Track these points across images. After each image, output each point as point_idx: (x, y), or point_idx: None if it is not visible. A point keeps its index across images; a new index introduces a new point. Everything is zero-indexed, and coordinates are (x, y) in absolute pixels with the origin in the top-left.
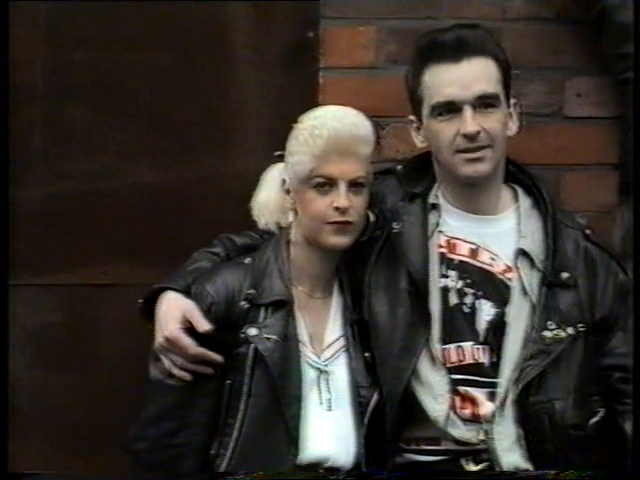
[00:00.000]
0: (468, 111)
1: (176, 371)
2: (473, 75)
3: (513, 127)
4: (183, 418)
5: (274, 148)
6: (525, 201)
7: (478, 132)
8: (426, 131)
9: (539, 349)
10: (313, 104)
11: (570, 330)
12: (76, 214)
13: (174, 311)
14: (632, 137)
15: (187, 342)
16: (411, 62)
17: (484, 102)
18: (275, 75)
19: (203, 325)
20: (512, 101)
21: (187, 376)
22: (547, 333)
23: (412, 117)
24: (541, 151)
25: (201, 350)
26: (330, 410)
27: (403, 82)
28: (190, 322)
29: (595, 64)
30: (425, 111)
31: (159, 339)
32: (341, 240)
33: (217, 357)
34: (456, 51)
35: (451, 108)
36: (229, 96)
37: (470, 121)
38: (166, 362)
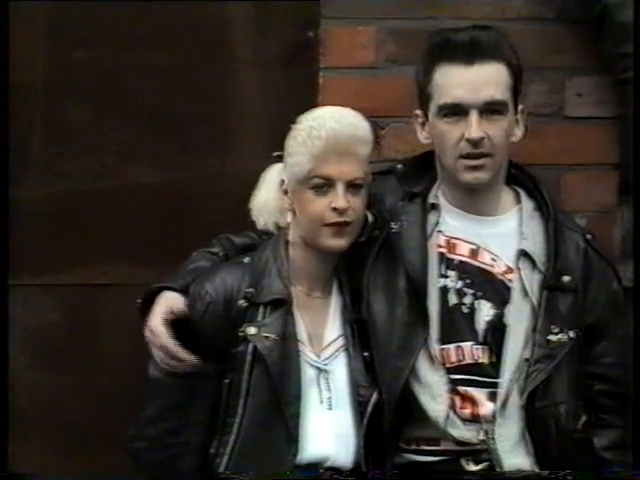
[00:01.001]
0: (474, 116)
1: (161, 363)
2: (483, 80)
3: (518, 133)
4: (182, 417)
5: (274, 148)
6: (527, 203)
7: (482, 138)
8: (431, 129)
9: (544, 353)
10: (313, 104)
11: (571, 334)
12: (76, 214)
13: (161, 305)
14: (632, 137)
15: (159, 330)
16: (423, 58)
17: (491, 108)
18: (275, 75)
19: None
20: (520, 107)
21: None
22: (552, 337)
23: (418, 112)
24: (541, 151)
25: (171, 343)
26: (330, 409)
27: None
28: (174, 314)
29: (595, 64)
30: (432, 109)
31: (145, 332)
32: (339, 242)
33: (187, 357)
34: (468, 53)
35: (457, 110)
36: (229, 96)
37: (475, 127)
38: (156, 356)
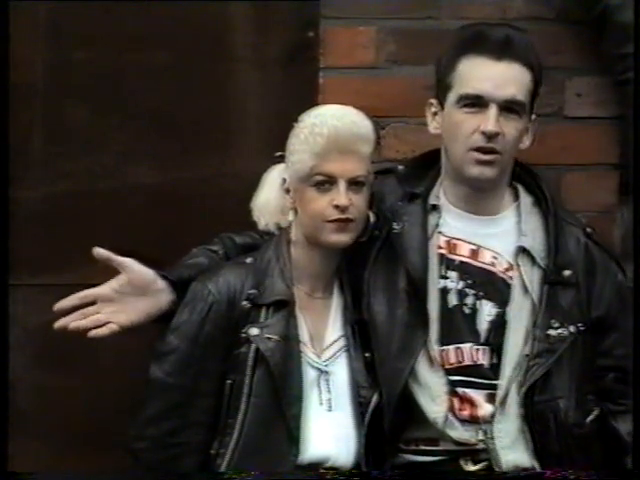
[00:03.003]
0: (493, 109)
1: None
2: (508, 77)
3: (526, 142)
4: (183, 417)
5: (274, 148)
6: (526, 199)
7: (497, 134)
8: (445, 119)
9: (544, 348)
10: (313, 104)
11: (572, 328)
12: (76, 214)
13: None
14: (632, 137)
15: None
16: (450, 48)
17: (510, 107)
18: (275, 75)
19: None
20: (533, 116)
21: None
22: (551, 332)
23: (433, 100)
24: (541, 151)
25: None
26: (330, 410)
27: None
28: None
29: (595, 64)
30: (451, 98)
31: None
32: (341, 238)
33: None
34: (500, 49)
35: (478, 102)
36: (229, 96)
37: (493, 121)
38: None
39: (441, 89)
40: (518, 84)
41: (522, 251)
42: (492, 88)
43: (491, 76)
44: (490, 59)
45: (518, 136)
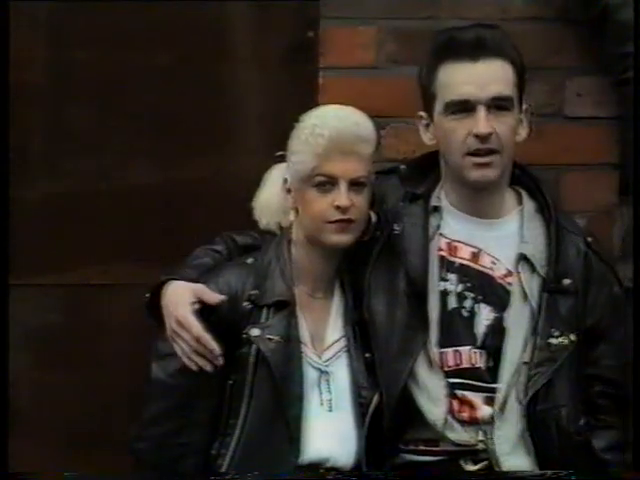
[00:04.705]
0: (482, 111)
1: (186, 359)
2: (489, 76)
3: (522, 133)
4: (185, 418)
5: (274, 148)
6: (529, 204)
7: (490, 133)
8: (437, 129)
9: (546, 356)
10: (313, 104)
11: (572, 337)
12: (76, 214)
13: (184, 293)
14: (632, 137)
15: (192, 321)
16: (427, 58)
17: (498, 104)
18: (275, 75)
19: (215, 298)
20: (524, 106)
21: (193, 365)
22: (553, 340)
23: (422, 113)
24: (541, 151)
25: (203, 333)
26: (331, 411)
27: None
28: (201, 302)
29: (595, 64)
30: (438, 108)
31: (171, 324)
32: (342, 238)
33: (215, 346)
34: (474, 50)
35: (465, 107)
36: (229, 96)
37: (483, 122)
38: (178, 349)
39: (427, 100)
40: (500, 80)
41: (523, 258)
42: (475, 90)
43: (472, 78)
44: (467, 62)
45: (512, 131)
